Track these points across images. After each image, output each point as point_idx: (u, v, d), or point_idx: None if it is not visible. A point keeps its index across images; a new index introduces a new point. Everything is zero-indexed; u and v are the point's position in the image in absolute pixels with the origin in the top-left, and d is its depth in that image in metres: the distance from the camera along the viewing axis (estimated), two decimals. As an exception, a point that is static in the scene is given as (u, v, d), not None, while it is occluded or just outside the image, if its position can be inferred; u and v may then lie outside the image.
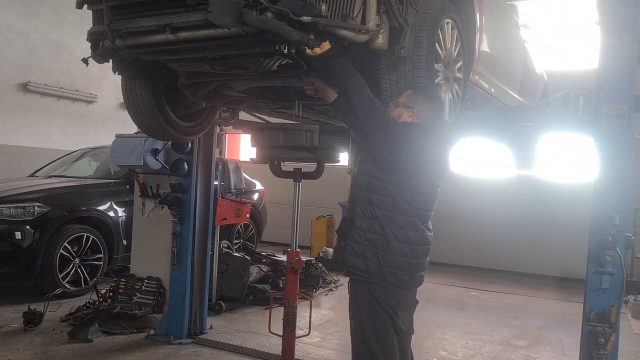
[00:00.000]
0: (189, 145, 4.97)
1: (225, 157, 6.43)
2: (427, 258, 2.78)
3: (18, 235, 5.74)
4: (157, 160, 5.04)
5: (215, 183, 5.53)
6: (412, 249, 2.65)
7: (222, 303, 5.91)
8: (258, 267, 6.75)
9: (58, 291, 5.68)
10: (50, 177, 7.31)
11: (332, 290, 7.31)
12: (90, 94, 10.61)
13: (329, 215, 10.13)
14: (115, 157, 5.27)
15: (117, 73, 3.32)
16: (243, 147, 6.91)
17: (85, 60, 3.10)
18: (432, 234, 2.78)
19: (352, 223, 2.70)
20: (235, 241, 7.60)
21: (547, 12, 8.34)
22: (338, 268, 3.04)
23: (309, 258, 7.63)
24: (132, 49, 2.84)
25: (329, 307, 6.55)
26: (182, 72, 3.37)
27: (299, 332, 3.72)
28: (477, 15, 3.58)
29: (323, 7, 2.44)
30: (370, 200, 2.65)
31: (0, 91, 9.20)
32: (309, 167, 3.49)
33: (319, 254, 8.73)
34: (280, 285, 6.46)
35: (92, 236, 6.34)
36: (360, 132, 2.83)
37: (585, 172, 3.57)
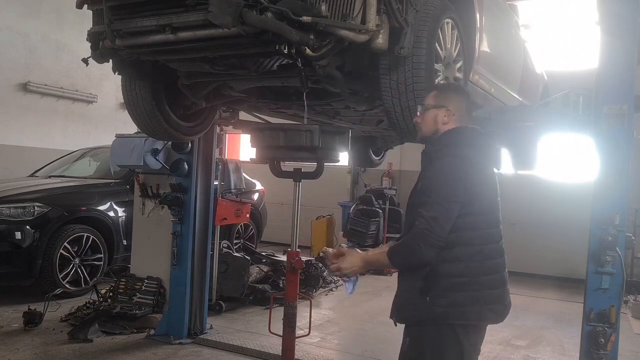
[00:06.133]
0: (189, 145, 4.97)
1: (225, 157, 6.43)
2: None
3: (18, 235, 5.73)
4: (157, 160, 5.04)
5: (215, 183, 5.53)
6: (502, 276, 2.38)
7: (222, 303, 5.91)
8: (258, 267, 6.75)
9: (58, 291, 5.68)
10: (50, 177, 7.30)
11: (332, 290, 7.31)
12: (90, 94, 10.60)
13: (329, 215, 10.13)
14: (115, 157, 5.27)
15: (117, 73, 3.33)
16: (243, 147, 6.92)
17: (85, 60, 3.11)
18: None
19: (435, 273, 2.27)
20: (235, 241, 7.60)
21: (548, 12, 8.35)
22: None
23: (309, 258, 7.62)
24: (132, 49, 2.85)
25: (329, 307, 6.55)
26: (182, 72, 3.38)
27: (299, 332, 3.71)
28: (477, 15, 3.57)
29: (323, 7, 2.45)
30: (450, 242, 2.24)
31: (0, 91, 9.19)
32: (309, 167, 3.49)
33: (319, 254, 8.72)
34: (280, 285, 6.46)
35: (92, 236, 6.33)
36: None
37: (585, 172, 3.57)
